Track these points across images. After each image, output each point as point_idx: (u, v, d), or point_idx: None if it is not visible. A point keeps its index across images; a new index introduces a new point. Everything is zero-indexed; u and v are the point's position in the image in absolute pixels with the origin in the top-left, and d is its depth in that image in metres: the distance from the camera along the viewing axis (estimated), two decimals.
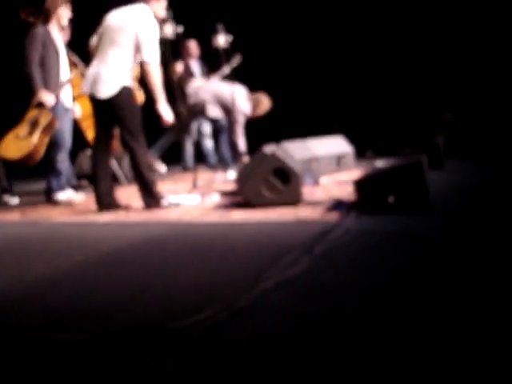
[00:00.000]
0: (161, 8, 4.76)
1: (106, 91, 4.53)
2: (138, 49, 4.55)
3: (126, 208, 4.77)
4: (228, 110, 6.58)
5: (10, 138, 5.44)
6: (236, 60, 7.46)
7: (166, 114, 4.71)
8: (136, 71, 5.35)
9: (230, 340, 1.83)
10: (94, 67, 4.65)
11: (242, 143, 6.61)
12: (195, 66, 7.61)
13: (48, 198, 5.66)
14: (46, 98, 5.35)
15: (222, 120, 7.02)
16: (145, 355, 1.74)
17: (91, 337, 1.86)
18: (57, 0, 5.53)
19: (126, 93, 4.55)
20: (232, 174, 6.40)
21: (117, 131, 4.96)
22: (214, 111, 6.69)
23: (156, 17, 4.67)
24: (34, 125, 5.37)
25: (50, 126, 5.36)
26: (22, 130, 5.38)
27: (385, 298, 2.12)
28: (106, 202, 4.71)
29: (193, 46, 7.60)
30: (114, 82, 4.53)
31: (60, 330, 1.96)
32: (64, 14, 5.55)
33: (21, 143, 5.35)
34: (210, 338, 1.84)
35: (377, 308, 2.02)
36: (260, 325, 1.94)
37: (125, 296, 2.34)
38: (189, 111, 6.46)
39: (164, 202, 4.65)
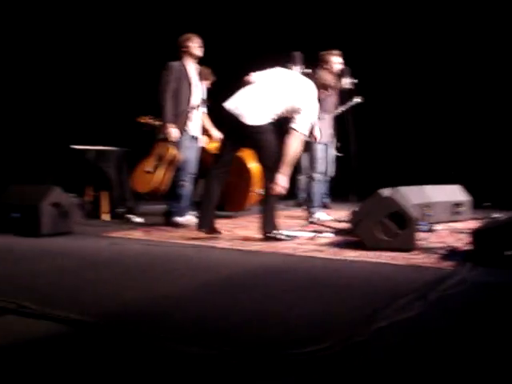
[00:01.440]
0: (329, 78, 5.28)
1: (254, 120, 4.76)
2: (287, 111, 4.86)
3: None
4: None
5: (138, 171, 5.89)
6: (356, 100, 7.61)
7: (282, 184, 4.80)
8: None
9: (344, 372, 1.93)
10: (248, 97, 4.87)
11: None
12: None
13: (167, 220, 5.99)
14: (171, 131, 5.73)
15: None
16: (264, 377, 1.88)
17: (218, 352, 2.03)
18: (185, 36, 5.96)
19: (268, 127, 4.81)
20: (321, 215, 6.47)
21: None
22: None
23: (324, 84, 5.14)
24: (159, 159, 5.76)
25: (173, 162, 5.75)
26: (149, 163, 5.80)
27: (497, 350, 2.15)
28: (207, 225, 4.98)
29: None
30: (262, 115, 4.78)
31: (189, 344, 2.14)
32: (196, 46, 5.96)
33: (148, 178, 5.78)
34: (325, 368, 1.95)
35: (488, 359, 2.05)
36: (373, 361, 2.03)
37: (246, 320, 2.50)
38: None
39: (280, 235, 4.83)
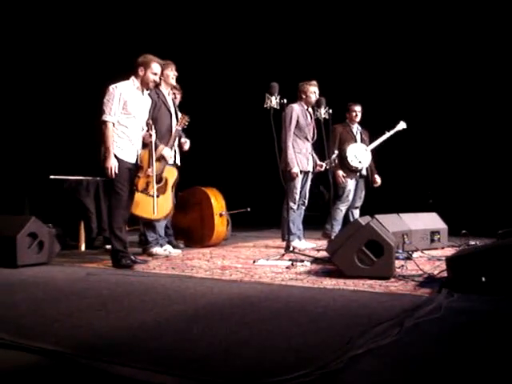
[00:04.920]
0: None
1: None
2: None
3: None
4: None
5: (138, 195, 5.51)
6: (400, 126, 7.80)
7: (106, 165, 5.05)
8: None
9: None
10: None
11: None
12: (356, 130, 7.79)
13: (144, 249, 5.95)
14: (168, 153, 5.74)
15: None
16: None
17: (196, 382, 2.01)
18: (165, 64, 5.96)
19: None
20: (300, 243, 6.52)
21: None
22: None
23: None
24: (161, 181, 5.62)
25: (175, 183, 5.81)
26: (149, 186, 5.52)
27: (474, 376, 2.15)
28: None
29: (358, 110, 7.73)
30: None
31: (165, 373, 2.12)
32: (170, 74, 6.00)
33: (160, 203, 5.51)
34: None
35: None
36: None
37: (222, 348, 2.48)
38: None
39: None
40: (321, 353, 2.37)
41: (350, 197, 7.56)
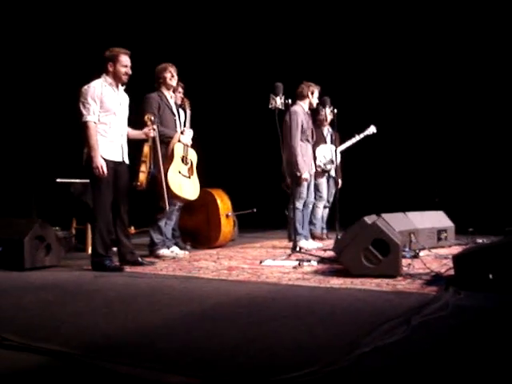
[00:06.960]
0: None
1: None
2: None
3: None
4: None
5: (173, 175, 5.76)
6: (370, 130, 7.83)
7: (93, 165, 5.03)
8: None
9: None
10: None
11: None
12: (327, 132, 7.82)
13: (151, 251, 5.97)
14: (185, 139, 5.90)
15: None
16: None
17: (202, 381, 2.02)
18: (161, 67, 6.02)
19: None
20: (306, 243, 6.54)
21: None
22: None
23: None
24: (186, 161, 5.90)
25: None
26: (181, 166, 5.87)
27: (480, 374, 2.15)
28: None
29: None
30: None
31: (172, 373, 2.13)
32: (167, 76, 5.99)
33: (191, 183, 5.95)
34: None
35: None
36: None
37: (230, 347, 2.49)
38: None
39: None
40: (328, 351, 2.37)
41: (324, 194, 7.70)
